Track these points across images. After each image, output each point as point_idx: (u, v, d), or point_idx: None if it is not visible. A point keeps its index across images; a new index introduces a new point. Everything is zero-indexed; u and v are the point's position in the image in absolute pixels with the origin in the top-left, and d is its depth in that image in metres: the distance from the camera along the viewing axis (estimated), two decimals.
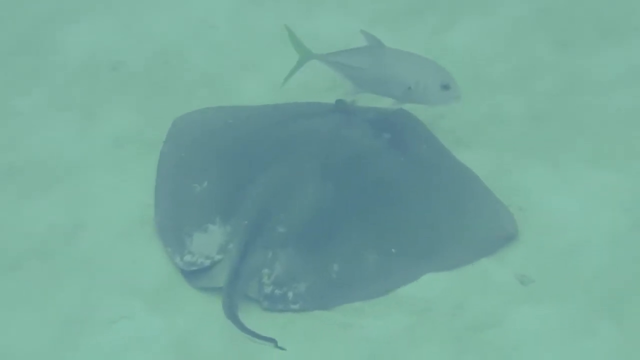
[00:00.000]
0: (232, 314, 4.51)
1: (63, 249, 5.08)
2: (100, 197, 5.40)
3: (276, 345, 4.43)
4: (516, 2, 6.55)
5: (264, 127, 5.26)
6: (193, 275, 4.77)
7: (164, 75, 6.29)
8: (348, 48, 5.37)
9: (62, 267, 4.97)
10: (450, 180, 5.01)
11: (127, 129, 5.84)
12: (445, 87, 4.84)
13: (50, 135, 5.83)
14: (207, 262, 4.77)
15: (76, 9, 6.71)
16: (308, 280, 4.62)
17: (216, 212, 4.92)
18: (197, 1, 6.74)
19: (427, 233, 4.78)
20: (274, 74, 6.09)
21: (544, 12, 6.48)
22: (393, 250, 4.71)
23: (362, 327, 4.55)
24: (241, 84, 6.17)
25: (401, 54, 5.21)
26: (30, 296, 4.81)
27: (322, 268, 4.64)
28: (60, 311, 4.74)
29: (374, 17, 6.50)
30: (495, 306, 4.64)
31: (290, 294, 4.62)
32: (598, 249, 4.85)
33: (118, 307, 4.76)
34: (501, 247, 4.83)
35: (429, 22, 6.53)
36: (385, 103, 5.34)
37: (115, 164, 5.60)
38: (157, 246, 5.04)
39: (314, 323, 4.60)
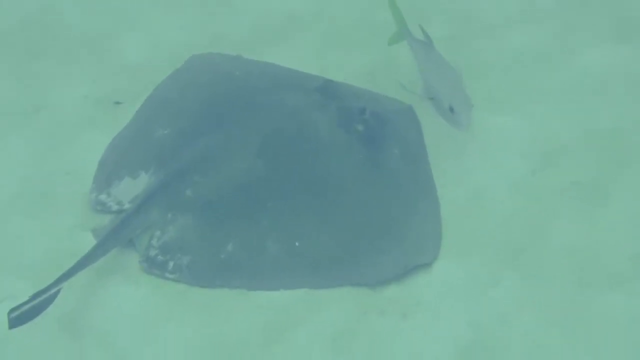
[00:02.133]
0: (86, 259, 4.20)
1: None
2: None
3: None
4: None
5: (249, 88, 4.89)
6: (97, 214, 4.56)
7: (41, 36, 5.88)
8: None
9: None
10: (397, 192, 4.50)
11: (2, 98, 5.39)
12: (451, 109, 4.43)
13: None
14: (115, 207, 4.56)
15: None
16: (194, 254, 4.31)
17: (154, 161, 4.63)
18: None
19: (341, 240, 4.33)
20: (157, 33, 5.88)
21: None
22: (296, 244, 4.28)
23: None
24: (123, 44, 5.78)
25: (438, 63, 4.76)
26: None
27: (214, 245, 4.30)
28: None
29: None
30: None
31: (170, 264, 4.30)
32: (499, 197, 4.63)
33: (3, 287, 4.41)
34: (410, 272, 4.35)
35: None
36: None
37: None
38: (40, 221, 4.71)
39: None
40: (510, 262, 4.38)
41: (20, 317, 3.99)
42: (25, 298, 4.07)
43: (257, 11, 6.03)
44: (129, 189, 4.57)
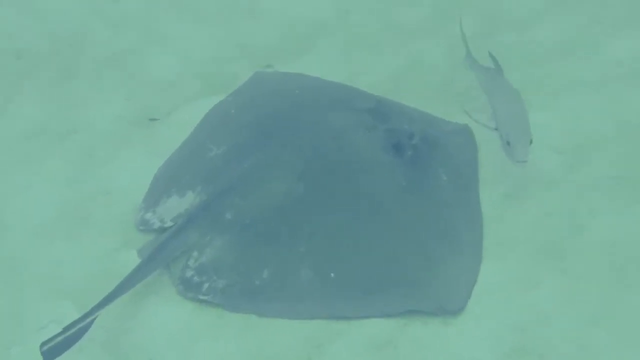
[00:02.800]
0: (126, 284, 4.17)
1: None
2: (13, 196, 5.01)
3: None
4: None
5: (301, 107, 4.83)
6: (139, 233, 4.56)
7: (71, 58, 5.91)
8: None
9: None
10: (439, 226, 4.31)
11: (37, 120, 5.45)
12: (508, 143, 4.41)
13: None
14: (157, 225, 4.54)
15: None
16: (229, 279, 4.23)
17: (202, 180, 4.60)
18: None
19: (375, 272, 4.16)
20: (185, 47, 5.89)
21: None
22: (332, 274, 4.16)
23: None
24: (153, 61, 5.79)
25: (503, 92, 4.69)
26: None
27: (250, 270, 4.22)
28: None
29: None
30: None
31: (205, 285, 4.25)
32: (537, 195, 4.59)
33: (46, 311, 4.39)
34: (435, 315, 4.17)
35: None
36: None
37: (26, 159, 5.20)
38: (79, 243, 4.70)
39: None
40: (550, 262, 4.33)
41: (52, 350, 3.94)
42: (64, 325, 4.06)
43: (282, 20, 6.05)
44: (175, 207, 4.55)
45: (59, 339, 3.95)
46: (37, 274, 4.56)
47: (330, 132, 4.58)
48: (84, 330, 4.03)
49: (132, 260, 4.51)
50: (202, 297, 4.23)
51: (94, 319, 4.07)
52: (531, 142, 4.24)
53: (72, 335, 3.98)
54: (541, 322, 4.08)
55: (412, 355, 4.02)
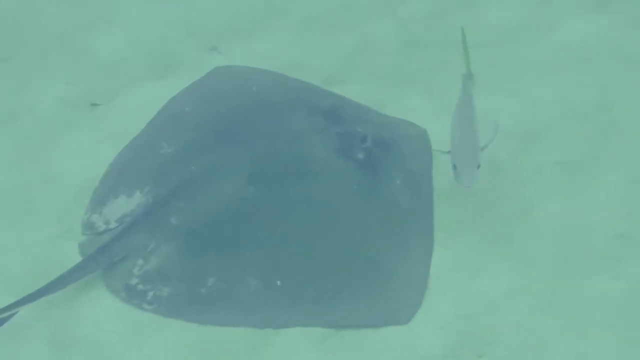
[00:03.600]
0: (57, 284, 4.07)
1: None
2: None
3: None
4: None
5: (256, 106, 4.67)
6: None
7: (13, 35, 5.75)
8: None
9: None
10: (390, 233, 4.18)
11: None
12: (454, 167, 4.19)
13: None
14: (102, 228, 4.39)
15: None
16: (175, 287, 4.08)
17: (151, 180, 4.45)
18: None
19: (323, 280, 4.03)
20: (133, 27, 5.75)
21: None
22: (278, 282, 4.03)
23: None
24: (99, 41, 5.66)
25: (464, 115, 4.36)
26: None
27: (196, 278, 4.07)
28: None
29: None
30: None
31: (150, 294, 4.09)
32: (484, 179, 4.49)
33: None
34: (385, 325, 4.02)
35: None
36: None
37: None
38: (19, 231, 4.57)
39: None
40: (497, 249, 4.25)
41: None
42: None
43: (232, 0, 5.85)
44: (121, 208, 4.41)
45: None
46: None
47: (283, 134, 4.45)
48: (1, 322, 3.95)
49: (74, 249, 4.41)
50: (146, 307, 4.08)
51: (13, 314, 3.98)
52: (479, 166, 4.07)
53: None
54: (488, 310, 4.02)
55: (356, 344, 3.92)
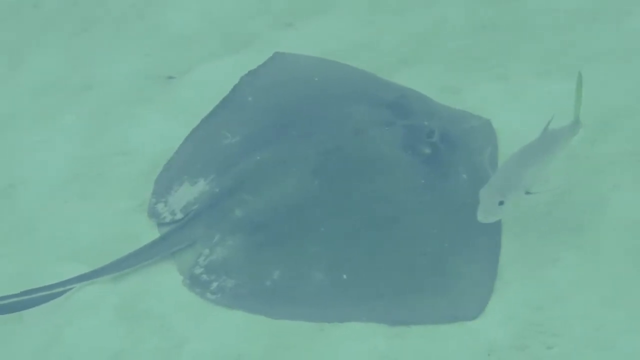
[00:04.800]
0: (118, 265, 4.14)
1: None
2: (29, 151, 4.93)
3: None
4: None
5: (320, 98, 4.64)
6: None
7: (89, 8, 5.76)
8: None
9: None
10: (457, 230, 4.07)
11: (53, 73, 5.33)
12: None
13: None
14: (168, 218, 4.37)
15: None
16: (239, 279, 4.05)
17: (215, 169, 4.44)
18: None
19: (388, 277, 3.95)
20: (208, 2, 5.69)
21: None
22: (344, 276, 3.97)
23: None
24: (170, 14, 5.62)
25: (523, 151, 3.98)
26: None
27: (261, 271, 4.03)
28: None
29: None
30: None
31: (214, 284, 4.07)
32: (557, 169, 4.39)
33: (59, 274, 4.27)
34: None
35: None
36: None
37: (42, 114, 5.11)
38: (93, 204, 4.61)
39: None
40: (569, 238, 4.16)
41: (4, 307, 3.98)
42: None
43: None
44: (186, 196, 4.40)
45: (13, 300, 4.00)
46: (51, 234, 4.49)
47: (348, 127, 4.39)
48: (51, 297, 4.05)
49: (145, 222, 4.45)
50: (209, 296, 4.07)
51: (66, 290, 4.08)
52: (501, 203, 3.68)
53: (34, 299, 4.01)
54: (557, 300, 3.94)
55: (424, 332, 3.88)
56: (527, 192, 3.75)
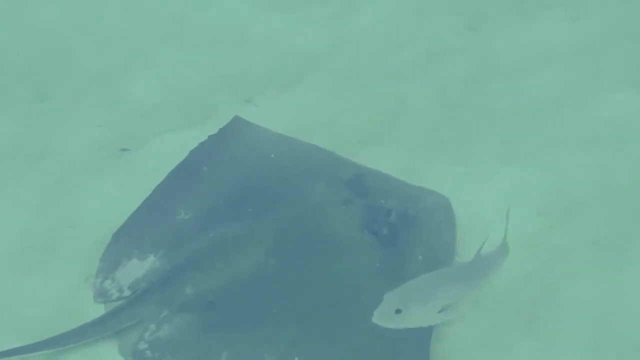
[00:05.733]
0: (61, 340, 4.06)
1: None
2: None
3: None
4: None
5: (278, 175, 4.61)
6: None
7: (48, 76, 5.75)
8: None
9: None
10: None
11: (6, 141, 5.29)
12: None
13: None
14: (115, 295, 4.29)
15: None
16: (184, 358, 3.96)
17: (167, 245, 4.38)
18: None
19: (339, 356, 3.89)
20: (169, 73, 5.73)
21: None
22: (296, 359, 3.89)
23: None
24: (133, 85, 5.63)
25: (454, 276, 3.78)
26: None
27: (209, 352, 3.94)
28: None
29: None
30: None
31: None
32: (514, 256, 4.35)
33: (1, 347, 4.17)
34: None
35: (328, 4, 5.99)
36: None
37: None
38: (41, 278, 4.54)
39: None
40: (524, 328, 4.13)
41: None
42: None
43: (271, 52, 5.85)
44: (134, 272, 4.33)
45: None
46: None
47: (305, 205, 4.37)
48: None
49: (91, 298, 4.39)
50: None
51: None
52: (398, 311, 3.43)
53: None
54: None
55: None
56: (441, 311, 3.54)
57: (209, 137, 4.91)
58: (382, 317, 3.43)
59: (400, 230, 4.32)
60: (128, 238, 4.52)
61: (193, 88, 5.60)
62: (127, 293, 4.27)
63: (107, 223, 4.71)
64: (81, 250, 4.66)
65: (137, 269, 4.34)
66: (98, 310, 4.32)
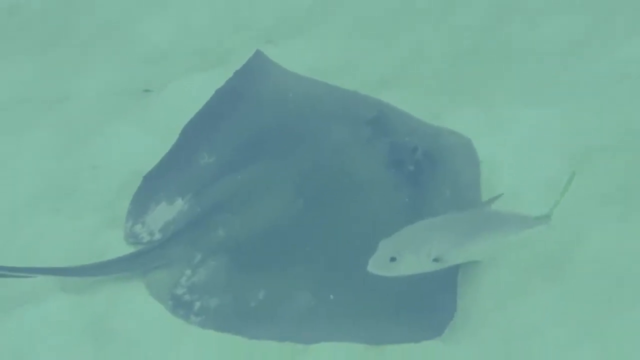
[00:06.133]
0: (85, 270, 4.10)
1: None
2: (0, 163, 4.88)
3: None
4: None
5: (299, 115, 4.61)
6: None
7: (64, 21, 5.75)
8: None
9: None
10: None
11: (25, 85, 5.29)
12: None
13: None
14: (146, 239, 4.32)
15: None
16: (223, 299, 4.00)
17: (194, 188, 4.39)
18: None
19: (367, 293, 3.88)
20: (184, 17, 5.72)
21: None
22: (331, 296, 3.91)
23: None
24: (149, 29, 5.64)
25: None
26: None
27: (246, 291, 3.98)
28: None
29: None
30: None
31: (197, 305, 4.03)
32: (534, 200, 4.41)
33: (23, 288, 4.22)
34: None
35: None
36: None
37: (13, 127, 5.07)
38: (64, 219, 4.56)
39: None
40: (543, 271, 4.14)
41: None
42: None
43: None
44: (164, 216, 4.35)
45: None
46: (18, 248, 4.44)
47: (330, 144, 4.38)
48: (10, 276, 4.00)
49: (114, 239, 4.42)
50: (194, 319, 4.01)
51: (25, 276, 4.03)
52: (393, 259, 3.51)
53: None
54: (528, 335, 3.91)
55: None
56: (435, 260, 3.57)
57: (235, 73, 4.91)
58: (377, 265, 3.48)
59: (426, 167, 4.33)
60: (154, 183, 4.54)
61: (209, 31, 5.58)
62: (157, 236, 4.31)
63: (130, 164, 4.77)
64: (103, 192, 4.70)
65: (166, 212, 4.37)
66: (121, 251, 4.35)
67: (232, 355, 3.93)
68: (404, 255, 3.47)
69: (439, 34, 5.39)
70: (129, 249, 4.33)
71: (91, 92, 5.24)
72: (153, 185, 4.53)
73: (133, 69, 5.37)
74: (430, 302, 3.93)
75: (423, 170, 4.32)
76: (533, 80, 5.10)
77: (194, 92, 4.99)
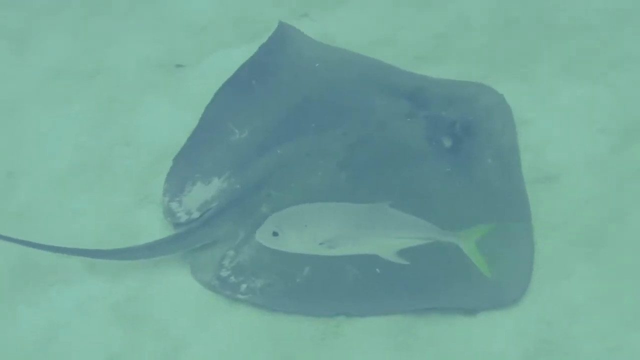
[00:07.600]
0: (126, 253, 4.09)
1: None
2: (35, 138, 4.89)
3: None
4: None
5: (332, 87, 4.57)
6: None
7: None
8: None
9: None
10: (489, 214, 4.03)
11: (61, 57, 5.28)
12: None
13: None
14: (184, 219, 4.26)
15: None
16: (269, 278, 3.98)
17: (230, 165, 4.35)
18: None
19: (423, 269, 3.80)
20: None
21: None
22: (377, 270, 3.90)
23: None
24: (184, 1, 5.55)
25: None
26: None
27: (291, 268, 3.96)
28: None
29: None
30: None
31: (243, 286, 4.00)
32: (576, 177, 4.32)
33: (57, 266, 4.25)
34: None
35: None
36: None
37: (49, 100, 5.06)
38: (97, 196, 4.56)
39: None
40: (586, 251, 4.06)
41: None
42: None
43: None
44: (201, 195, 4.30)
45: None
46: (52, 224, 4.44)
47: (369, 118, 4.34)
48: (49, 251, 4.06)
49: (147, 216, 4.41)
50: (240, 297, 4.01)
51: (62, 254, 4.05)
52: (274, 234, 3.51)
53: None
54: (569, 317, 3.85)
55: (431, 345, 3.82)
56: (322, 243, 3.51)
57: (260, 47, 4.86)
58: (261, 237, 3.49)
59: (465, 138, 4.30)
60: (188, 161, 4.48)
61: (246, 4, 5.50)
62: (196, 215, 4.25)
63: (162, 141, 4.75)
64: (137, 168, 4.69)
65: (203, 191, 4.32)
66: (153, 229, 4.36)
67: (265, 337, 3.91)
68: (285, 232, 3.47)
69: (479, 6, 5.28)
70: (163, 227, 4.32)
71: (126, 65, 5.22)
72: (186, 164, 4.47)
73: (169, 42, 5.33)
74: (504, 265, 3.88)
75: (463, 142, 4.28)
76: (578, 53, 4.98)
77: (229, 67, 4.92)
